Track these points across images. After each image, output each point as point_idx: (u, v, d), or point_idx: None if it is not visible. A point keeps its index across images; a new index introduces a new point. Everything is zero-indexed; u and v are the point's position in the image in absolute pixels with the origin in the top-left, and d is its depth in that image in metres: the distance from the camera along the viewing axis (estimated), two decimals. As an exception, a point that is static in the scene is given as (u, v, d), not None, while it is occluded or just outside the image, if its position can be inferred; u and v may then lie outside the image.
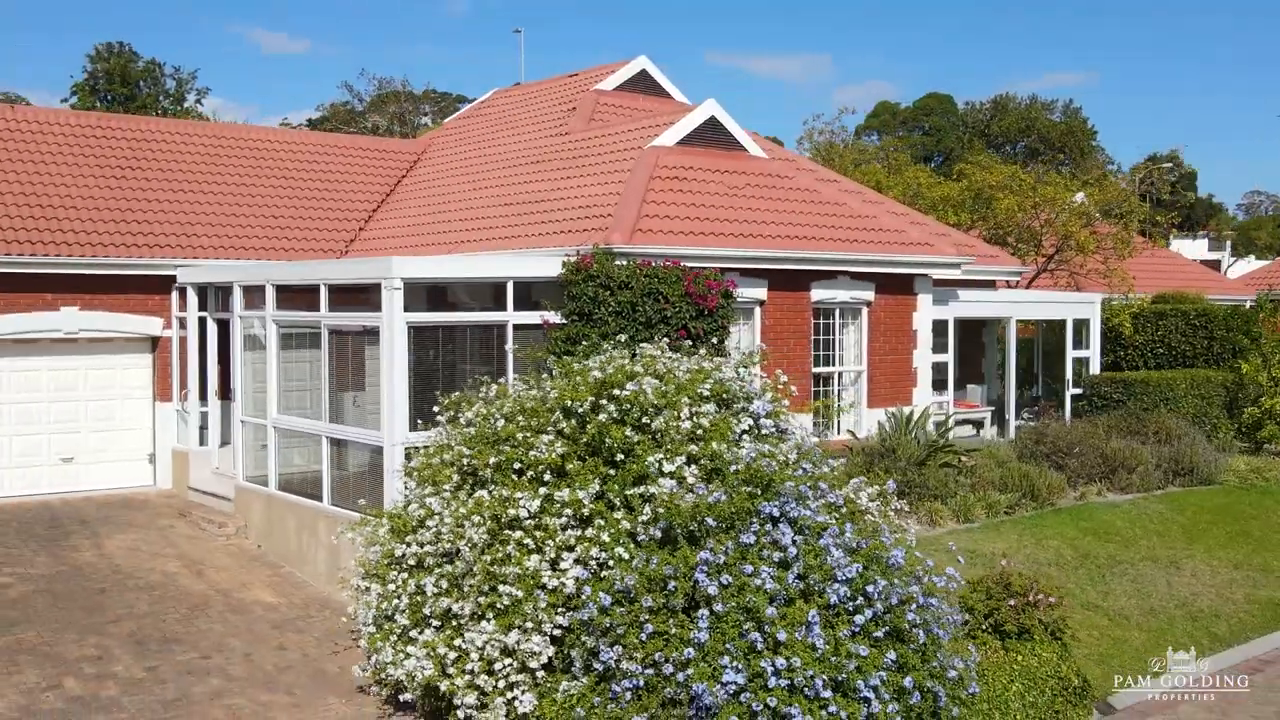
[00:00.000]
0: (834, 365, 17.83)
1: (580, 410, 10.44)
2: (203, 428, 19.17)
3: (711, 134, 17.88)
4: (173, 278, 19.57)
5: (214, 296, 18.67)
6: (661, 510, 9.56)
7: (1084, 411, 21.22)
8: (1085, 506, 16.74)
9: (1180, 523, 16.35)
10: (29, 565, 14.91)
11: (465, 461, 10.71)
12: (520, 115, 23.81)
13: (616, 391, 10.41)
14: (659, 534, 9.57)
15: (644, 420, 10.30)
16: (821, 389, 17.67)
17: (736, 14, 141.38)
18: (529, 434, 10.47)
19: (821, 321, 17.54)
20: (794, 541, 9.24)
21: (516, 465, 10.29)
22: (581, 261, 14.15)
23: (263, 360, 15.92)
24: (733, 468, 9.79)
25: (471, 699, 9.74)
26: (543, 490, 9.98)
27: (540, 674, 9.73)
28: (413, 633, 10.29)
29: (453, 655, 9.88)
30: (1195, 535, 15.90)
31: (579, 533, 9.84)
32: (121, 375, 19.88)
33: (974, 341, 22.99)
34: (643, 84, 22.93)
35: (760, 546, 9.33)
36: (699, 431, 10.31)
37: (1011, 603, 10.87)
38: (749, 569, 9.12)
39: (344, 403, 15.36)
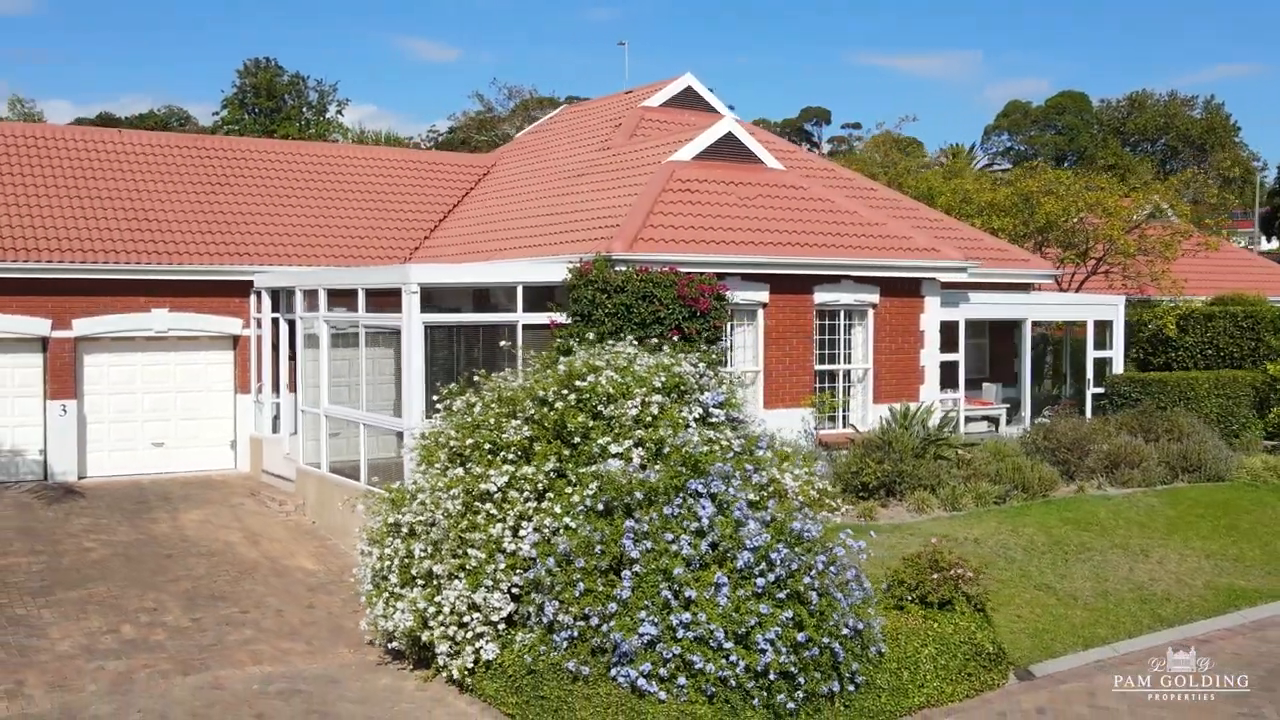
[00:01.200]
0: (840, 363, 18.95)
1: (549, 399, 11.95)
2: (275, 417, 21.28)
3: (728, 148, 19.21)
4: (251, 282, 21.76)
5: (284, 299, 20.78)
6: (606, 485, 11.02)
7: (1104, 410, 21.79)
8: (1076, 499, 17.52)
9: (1168, 515, 17.01)
10: (112, 533, 17.11)
11: (452, 444, 12.31)
12: (577, 131, 25.43)
13: (578, 382, 11.90)
14: (601, 506, 11.01)
15: (599, 408, 11.76)
16: (828, 385, 18.80)
17: (882, 9, 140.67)
18: (502, 419, 12.03)
19: (827, 322, 18.67)
20: (709, 513, 10.59)
21: (489, 446, 11.86)
22: (583, 268, 15.66)
23: (319, 356, 17.87)
24: (665, 449, 11.20)
25: (445, 648, 11.33)
26: (507, 468, 11.52)
27: (502, 627, 11.28)
28: (400, 590, 11.92)
29: (432, 610, 11.48)
30: (1178, 527, 16.55)
31: (536, 504, 11.36)
32: (206, 370, 22.18)
33: (1007, 342, 23.75)
34: (687, 100, 24.33)
35: (682, 517, 10.71)
36: (649, 418, 11.70)
37: (935, 576, 11.99)
38: (669, 536, 10.52)
39: (379, 393, 17.21)
